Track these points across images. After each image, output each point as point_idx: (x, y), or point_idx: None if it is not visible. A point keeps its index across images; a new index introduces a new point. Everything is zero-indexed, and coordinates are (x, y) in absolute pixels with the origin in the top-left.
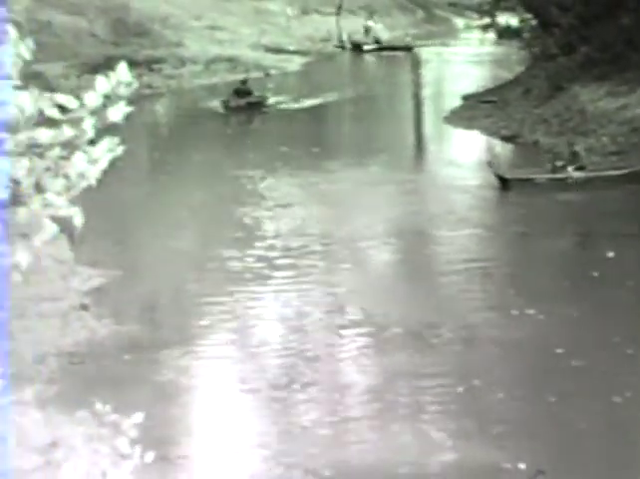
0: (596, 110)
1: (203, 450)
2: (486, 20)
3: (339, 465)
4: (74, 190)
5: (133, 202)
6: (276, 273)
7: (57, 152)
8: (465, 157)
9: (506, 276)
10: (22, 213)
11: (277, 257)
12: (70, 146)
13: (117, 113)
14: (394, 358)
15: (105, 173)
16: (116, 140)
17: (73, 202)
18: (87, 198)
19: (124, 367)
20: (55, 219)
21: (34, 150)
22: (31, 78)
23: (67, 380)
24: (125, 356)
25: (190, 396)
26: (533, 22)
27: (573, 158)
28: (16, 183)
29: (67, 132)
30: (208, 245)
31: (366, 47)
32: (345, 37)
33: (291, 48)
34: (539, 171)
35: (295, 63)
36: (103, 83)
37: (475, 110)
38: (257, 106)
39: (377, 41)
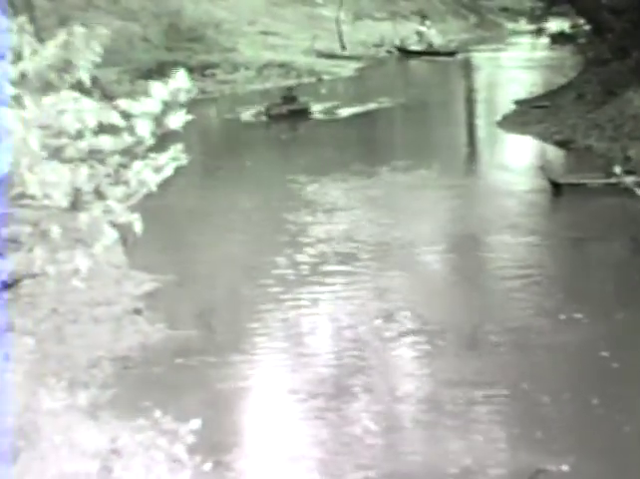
0: None
1: (257, 457)
2: (539, 25)
3: (391, 474)
4: (134, 197)
5: (186, 206)
6: (327, 279)
7: (117, 159)
8: (517, 162)
9: (556, 281)
10: (82, 219)
11: (328, 263)
12: (130, 153)
13: (176, 120)
14: (445, 364)
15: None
16: (179, 147)
17: (132, 208)
18: (143, 202)
19: (177, 372)
20: (114, 225)
21: (95, 156)
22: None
23: (121, 385)
24: (178, 361)
25: (243, 402)
26: (586, 27)
27: (627, 162)
28: (77, 189)
29: (127, 139)
30: (260, 250)
31: (418, 52)
32: (397, 42)
33: (344, 53)
34: (592, 176)
35: (348, 68)
36: (161, 89)
37: (527, 115)
38: (302, 113)
39: (430, 46)
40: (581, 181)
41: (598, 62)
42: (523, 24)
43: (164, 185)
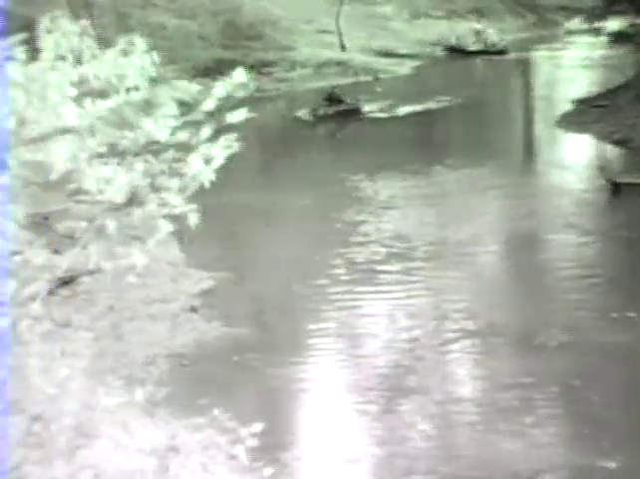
0: None
1: (314, 456)
2: (598, 24)
3: (446, 474)
4: (188, 190)
5: (241, 203)
6: (382, 278)
7: (173, 153)
8: (575, 161)
9: (611, 281)
10: (137, 214)
11: (382, 261)
12: (186, 147)
13: (234, 116)
14: (500, 364)
15: (217, 175)
16: (232, 136)
17: (187, 202)
18: (199, 199)
19: (232, 369)
20: (170, 218)
21: (150, 151)
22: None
23: (177, 382)
24: (233, 358)
25: (299, 401)
26: None
27: None
28: (132, 185)
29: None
30: (315, 248)
31: (467, 51)
32: (454, 41)
33: (401, 52)
34: None
35: (405, 66)
36: (220, 87)
37: (585, 114)
38: (350, 113)
39: (487, 45)
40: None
41: None
42: (582, 23)
43: (220, 182)
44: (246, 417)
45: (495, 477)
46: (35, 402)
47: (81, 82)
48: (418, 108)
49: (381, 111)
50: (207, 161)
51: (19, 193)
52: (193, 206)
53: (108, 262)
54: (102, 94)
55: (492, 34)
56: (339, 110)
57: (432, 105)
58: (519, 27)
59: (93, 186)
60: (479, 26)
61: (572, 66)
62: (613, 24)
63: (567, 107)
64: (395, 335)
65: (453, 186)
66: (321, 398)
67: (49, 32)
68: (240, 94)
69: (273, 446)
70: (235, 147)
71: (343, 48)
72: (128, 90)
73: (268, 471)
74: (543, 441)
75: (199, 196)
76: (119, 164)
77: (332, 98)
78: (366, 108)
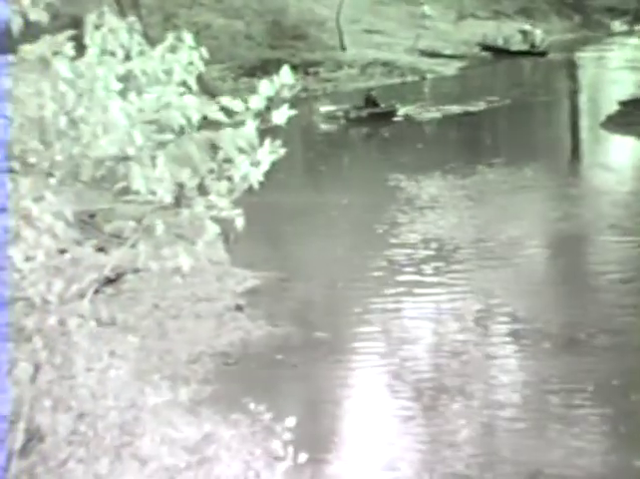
0: None
1: (353, 457)
2: None
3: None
4: (236, 192)
5: (286, 202)
6: (426, 278)
7: (221, 154)
8: (620, 162)
9: None
10: (185, 214)
11: (426, 262)
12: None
13: (280, 116)
14: (544, 366)
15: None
16: (278, 142)
17: (234, 204)
18: (243, 199)
19: (277, 369)
20: (217, 220)
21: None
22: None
23: (221, 380)
24: (278, 357)
25: (342, 400)
26: None
27: None
28: (180, 185)
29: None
30: (359, 248)
31: (519, 51)
32: (501, 42)
33: (447, 52)
34: None
35: (451, 67)
36: (266, 86)
37: (631, 116)
38: (386, 116)
39: (533, 45)
40: None
41: None
42: (628, 24)
43: (264, 181)
44: (287, 415)
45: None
46: (80, 400)
47: (128, 77)
48: (463, 109)
49: (419, 113)
50: (255, 164)
51: (66, 191)
52: (240, 210)
53: (155, 262)
54: (149, 90)
55: (539, 35)
56: (374, 112)
57: (476, 105)
58: (565, 28)
59: (142, 185)
60: (525, 27)
61: (618, 67)
62: None
63: (613, 108)
64: (438, 335)
65: (496, 186)
66: (363, 400)
67: (96, 28)
68: (286, 93)
69: (313, 443)
70: (281, 152)
71: (343, 49)
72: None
73: (305, 463)
74: (589, 446)
75: (244, 195)
76: (168, 164)
77: (367, 100)
78: (402, 110)
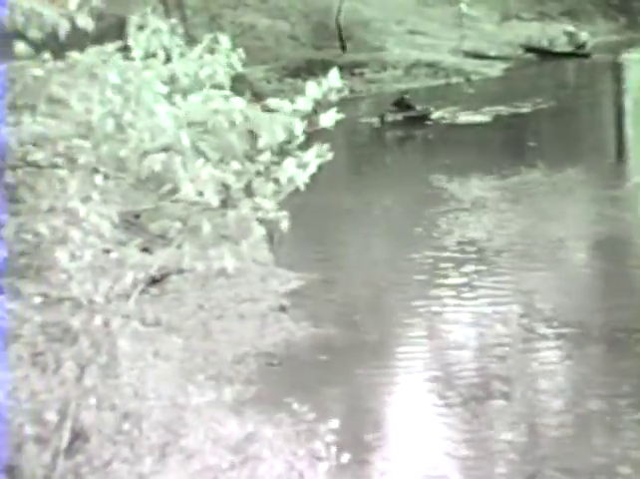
0: None
1: (395, 457)
2: None
3: None
4: (282, 194)
5: (329, 203)
6: (469, 279)
7: (268, 156)
8: None
9: None
10: (231, 216)
11: (470, 262)
12: (281, 150)
13: (328, 118)
14: (591, 368)
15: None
16: (325, 146)
17: (279, 205)
18: (288, 200)
19: (320, 370)
20: (262, 222)
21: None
22: (234, 82)
23: (265, 381)
24: (321, 358)
25: (384, 401)
26: None
27: None
28: (226, 187)
29: (278, 137)
30: (402, 248)
31: (562, 53)
32: (545, 43)
33: (492, 53)
34: None
35: (496, 68)
36: (313, 88)
37: None
38: (420, 119)
39: (578, 47)
40: None
41: None
42: None
43: (309, 182)
44: (330, 415)
45: None
46: (125, 399)
47: (172, 80)
48: (507, 111)
49: (462, 114)
50: (301, 166)
51: (112, 192)
52: (285, 212)
53: (200, 263)
54: (192, 91)
55: (584, 36)
56: (409, 116)
57: (521, 107)
58: (611, 29)
59: (189, 187)
60: (570, 28)
61: None
62: None
63: None
64: (482, 336)
65: (540, 188)
66: (406, 398)
67: (140, 30)
68: (333, 95)
69: (356, 443)
70: (328, 157)
71: (344, 49)
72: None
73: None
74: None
75: (289, 196)
76: (215, 166)
77: (400, 103)
78: (443, 112)
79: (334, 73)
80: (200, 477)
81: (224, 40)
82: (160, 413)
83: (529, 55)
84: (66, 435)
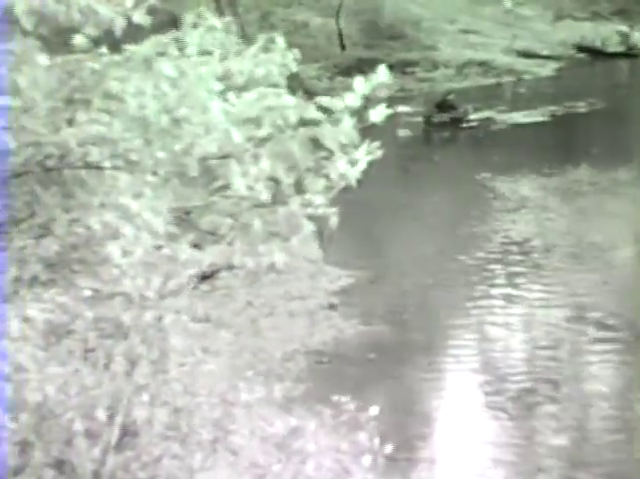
0: None
1: (441, 454)
2: None
3: None
4: (332, 190)
5: (379, 200)
6: (518, 279)
7: (319, 152)
8: None
9: None
10: (281, 212)
11: (518, 262)
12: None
13: (377, 115)
14: (637, 372)
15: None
16: (375, 144)
17: (329, 202)
18: (337, 196)
19: (369, 368)
20: (312, 218)
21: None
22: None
23: (314, 379)
24: (370, 356)
25: (432, 400)
26: None
27: None
28: (276, 182)
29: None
30: (451, 247)
31: (614, 53)
32: (598, 43)
33: (544, 53)
34: None
35: (548, 68)
36: (361, 83)
37: None
38: (464, 120)
39: (631, 47)
40: None
41: None
42: None
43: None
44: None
45: None
46: (175, 395)
47: (225, 77)
48: (558, 110)
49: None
50: (352, 163)
51: (164, 187)
52: (335, 209)
53: (250, 259)
54: (246, 89)
55: (637, 36)
56: (455, 117)
57: (573, 107)
58: None
59: (240, 183)
60: (623, 28)
61: None
62: None
63: None
64: (530, 338)
65: (589, 187)
66: (453, 397)
67: (194, 27)
68: (383, 92)
69: (403, 440)
70: (378, 154)
71: (343, 47)
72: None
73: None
74: None
75: (339, 192)
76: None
77: (443, 104)
78: (491, 112)
79: (382, 69)
80: (249, 474)
81: (280, 40)
82: (210, 409)
83: (582, 55)
84: (116, 431)
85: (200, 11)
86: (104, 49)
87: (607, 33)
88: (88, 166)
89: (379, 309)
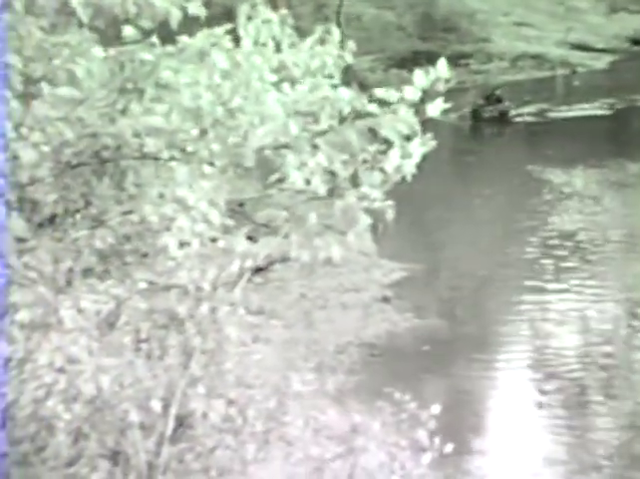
0: None
1: (497, 449)
2: None
3: None
4: (388, 183)
5: (432, 192)
6: (573, 272)
7: (375, 145)
8: None
9: None
10: (338, 205)
11: (572, 254)
12: (387, 140)
13: (435, 108)
14: None
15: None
16: (429, 135)
17: (385, 195)
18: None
19: (423, 361)
20: (367, 212)
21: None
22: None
23: (367, 371)
24: (423, 349)
25: (486, 395)
26: None
27: None
28: (333, 175)
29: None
30: (504, 240)
31: None
32: None
33: (599, 46)
34: None
35: (602, 61)
36: (420, 77)
37: None
38: (507, 115)
39: None
40: None
41: None
42: None
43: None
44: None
45: None
46: (230, 387)
47: (280, 69)
48: (612, 103)
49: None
50: (407, 156)
51: (220, 179)
52: (390, 202)
53: (306, 252)
54: (300, 81)
55: None
56: (503, 111)
57: (627, 100)
58: None
59: (297, 176)
60: None
61: None
62: None
63: None
64: (585, 332)
65: None
66: (506, 397)
67: (249, 19)
68: (441, 85)
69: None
70: (432, 144)
71: (343, 45)
72: (325, 78)
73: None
74: None
75: (394, 185)
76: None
77: (489, 98)
78: (542, 106)
79: (442, 62)
80: (302, 466)
81: (336, 32)
82: (264, 401)
83: (636, 48)
84: (170, 422)
85: (255, 3)
86: (154, 39)
87: None
88: (144, 156)
89: (432, 303)
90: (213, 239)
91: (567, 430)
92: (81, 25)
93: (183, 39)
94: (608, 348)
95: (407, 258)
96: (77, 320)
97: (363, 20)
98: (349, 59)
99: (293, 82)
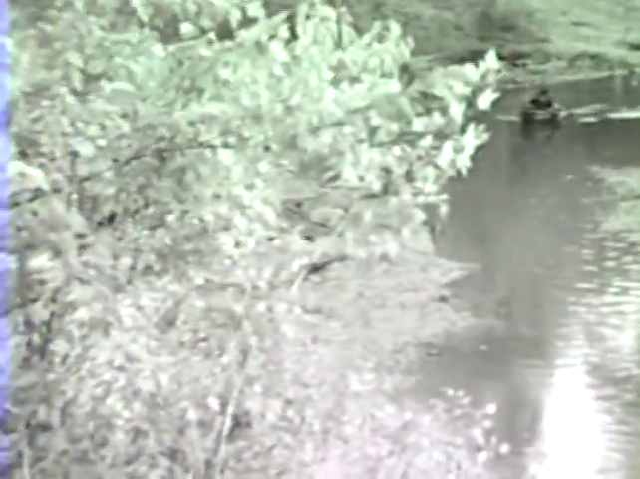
0: None
1: (552, 449)
2: None
3: None
4: (442, 178)
5: (487, 191)
6: (628, 274)
7: (428, 140)
8: None
9: None
10: (393, 202)
11: (628, 255)
12: (440, 134)
13: (485, 100)
14: None
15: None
16: (481, 127)
17: (439, 191)
18: (447, 188)
19: (480, 361)
20: (422, 207)
21: (406, 138)
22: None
23: (424, 371)
24: (481, 349)
25: (543, 394)
26: None
27: None
28: (387, 171)
29: (437, 120)
30: (560, 239)
31: None
32: None
33: None
34: None
35: None
36: (471, 71)
37: None
38: (558, 117)
39: None
40: None
41: None
42: None
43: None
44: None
45: None
46: (287, 386)
47: (339, 67)
48: None
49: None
50: (458, 149)
51: (276, 179)
52: (444, 195)
53: (362, 250)
54: (359, 79)
55: None
56: (555, 112)
57: None
58: None
59: (352, 173)
60: None
61: None
62: None
63: None
64: None
65: None
66: (563, 396)
67: (307, 18)
68: (491, 77)
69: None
70: (484, 137)
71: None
72: (382, 76)
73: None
74: None
75: (449, 183)
76: (377, 151)
77: (537, 101)
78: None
79: (492, 54)
80: (359, 465)
81: (395, 28)
82: (322, 400)
83: None
84: (228, 420)
85: (314, 2)
86: (212, 35)
87: None
88: (200, 145)
89: (489, 302)
90: (270, 239)
91: (625, 436)
92: (141, 25)
93: (242, 33)
94: None
95: (464, 258)
96: (136, 319)
97: (421, 19)
98: (407, 55)
99: (351, 80)
